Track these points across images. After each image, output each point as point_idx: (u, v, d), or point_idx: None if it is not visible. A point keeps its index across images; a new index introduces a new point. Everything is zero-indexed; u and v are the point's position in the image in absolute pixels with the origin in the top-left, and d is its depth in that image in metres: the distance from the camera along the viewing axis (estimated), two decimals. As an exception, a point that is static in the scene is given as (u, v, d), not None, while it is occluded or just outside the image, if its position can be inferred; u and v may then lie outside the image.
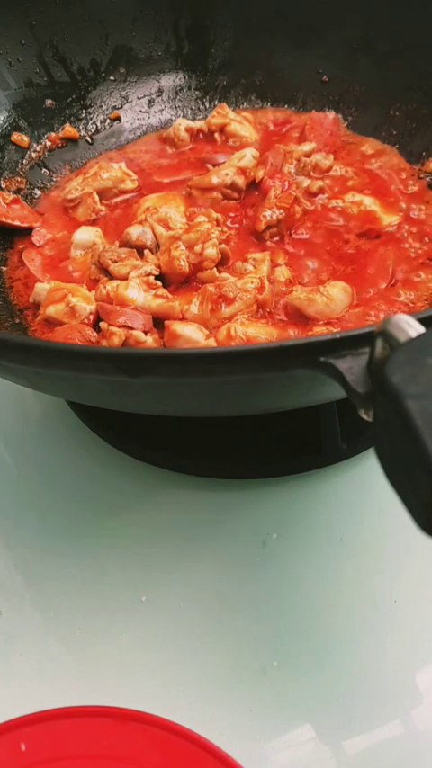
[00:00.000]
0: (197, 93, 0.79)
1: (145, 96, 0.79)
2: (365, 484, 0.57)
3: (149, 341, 0.55)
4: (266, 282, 0.58)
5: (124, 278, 0.58)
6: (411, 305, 0.58)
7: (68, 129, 0.75)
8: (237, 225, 0.65)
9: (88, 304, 0.57)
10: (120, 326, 0.54)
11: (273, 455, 0.58)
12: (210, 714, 0.46)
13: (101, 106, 0.77)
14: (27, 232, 0.67)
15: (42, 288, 0.60)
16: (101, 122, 0.77)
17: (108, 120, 0.77)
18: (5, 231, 0.66)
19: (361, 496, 0.56)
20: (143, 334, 0.55)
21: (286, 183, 0.64)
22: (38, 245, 0.66)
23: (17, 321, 0.60)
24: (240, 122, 0.74)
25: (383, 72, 0.73)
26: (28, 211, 0.68)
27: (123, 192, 0.69)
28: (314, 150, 0.69)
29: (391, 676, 0.48)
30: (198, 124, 0.74)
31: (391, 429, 0.31)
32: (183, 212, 0.64)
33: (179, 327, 0.55)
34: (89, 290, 0.58)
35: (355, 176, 0.69)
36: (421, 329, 0.33)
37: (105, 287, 0.57)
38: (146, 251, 0.61)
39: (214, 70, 0.79)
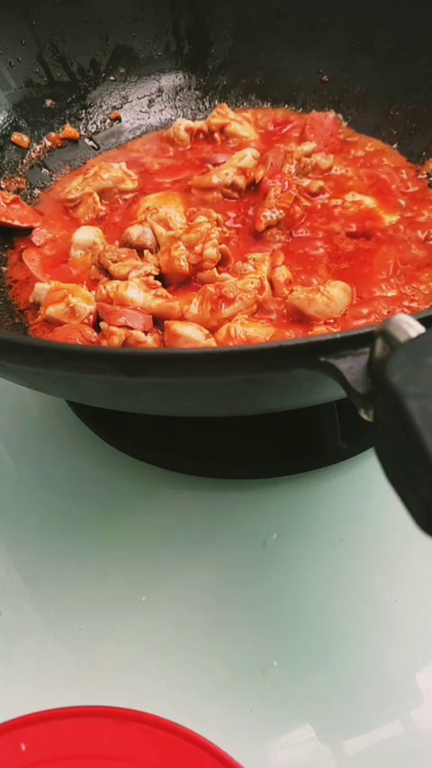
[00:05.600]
0: (197, 93, 0.79)
1: (145, 96, 0.79)
2: (365, 484, 0.57)
3: (149, 341, 0.55)
4: (266, 283, 0.58)
5: (124, 278, 0.58)
6: (411, 305, 0.58)
7: (68, 129, 0.75)
8: (237, 225, 0.65)
9: (88, 304, 0.57)
10: (120, 326, 0.54)
11: (273, 455, 0.58)
12: (210, 714, 0.46)
13: (101, 106, 0.77)
14: (27, 232, 0.67)
15: (42, 288, 0.60)
16: (101, 122, 0.77)
17: (108, 120, 0.77)
18: (5, 231, 0.66)
19: (361, 496, 0.56)
20: (143, 334, 0.55)
21: (286, 183, 0.64)
22: (38, 245, 0.66)
23: (17, 321, 0.60)
24: (240, 122, 0.74)
25: (383, 72, 0.73)
26: (28, 211, 0.68)
27: (123, 191, 0.69)
28: (314, 150, 0.70)
29: (391, 676, 0.48)
30: (198, 124, 0.74)
31: (391, 429, 0.31)
32: (183, 212, 0.64)
33: (179, 327, 0.55)
34: (89, 290, 0.58)
35: (355, 176, 0.69)
36: (421, 329, 0.33)
37: (105, 287, 0.57)
38: (146, 251, 0.61)
39: (214, 70, 0.79)
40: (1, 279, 0.64)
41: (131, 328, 0.54)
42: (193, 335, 0.54)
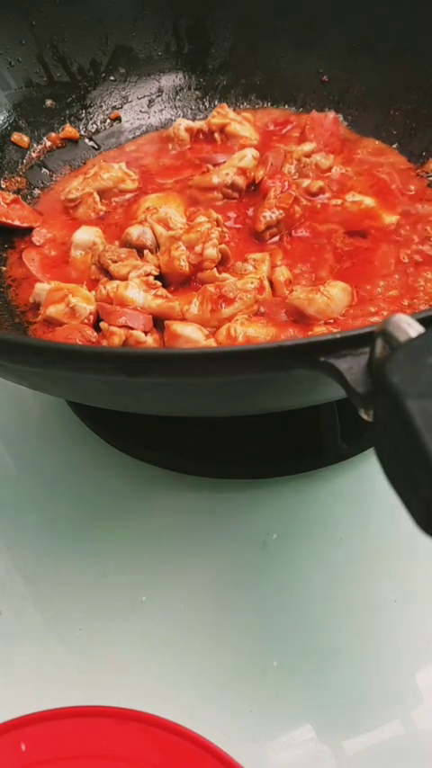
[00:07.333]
0: (197, 93, 0.79)
1: (145, 96, 0.79)
2: (365, 484, 0.57)
3: (149, 341, 0.55)
4: (266, 283, 0.58)
5: (124, 278, 0.58)
6: (412, 304, 0.58)
7: (68, 129, 0.75)
8: (237, 225, 0.65)
9: (88, 304, 0.57)
10: (120, 326, 0.54)
11: (273, 455, 0.58)
12: (210, 714, 0.46)
13: (101, 106, 0.77)
14: (27, 232, 0.67)
15: (42, 288, 0.60)
16: (101, 122, 0.77)
17: (108, 120, 0.77)
18: (5, 231, 0.66)
19: (361, 496, 0.56)
20: (143, 335, 0.55)
21: (286, 183, 0.64)
22: (38, 244, 0.66)
23: (17, 321, 0.60)
24: (240, 122, 0.74)
25: (383, 72, 0.73)
26: (28, 211, 0.68)
27: (123, 191, 0.69)
28: (314, 150, 0.69)
29: (391, 676, 0.48)
30: (198, 124, 0.74)
31: (391, 429, 0.31)
32: (183, 212, 0.64)
33: (179, 327, 0.55)
34: (89, 290, 0.58)
35: (355, 176, 0.69)
36: (421, 329, 0.33)
37: (105, 287, 0.57)
38: (146, 251, 0.61)
39: (214, 70, 0.79)
40: (1, 279, 0.64)
41: (131, 328, 0.54)
42: (193, 335, 0.54)
